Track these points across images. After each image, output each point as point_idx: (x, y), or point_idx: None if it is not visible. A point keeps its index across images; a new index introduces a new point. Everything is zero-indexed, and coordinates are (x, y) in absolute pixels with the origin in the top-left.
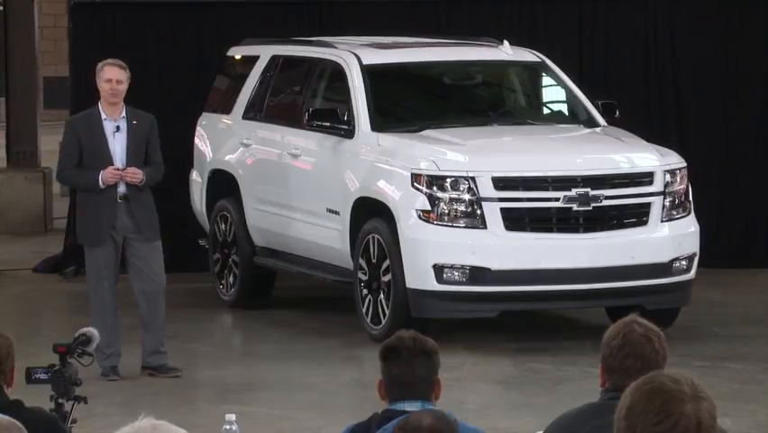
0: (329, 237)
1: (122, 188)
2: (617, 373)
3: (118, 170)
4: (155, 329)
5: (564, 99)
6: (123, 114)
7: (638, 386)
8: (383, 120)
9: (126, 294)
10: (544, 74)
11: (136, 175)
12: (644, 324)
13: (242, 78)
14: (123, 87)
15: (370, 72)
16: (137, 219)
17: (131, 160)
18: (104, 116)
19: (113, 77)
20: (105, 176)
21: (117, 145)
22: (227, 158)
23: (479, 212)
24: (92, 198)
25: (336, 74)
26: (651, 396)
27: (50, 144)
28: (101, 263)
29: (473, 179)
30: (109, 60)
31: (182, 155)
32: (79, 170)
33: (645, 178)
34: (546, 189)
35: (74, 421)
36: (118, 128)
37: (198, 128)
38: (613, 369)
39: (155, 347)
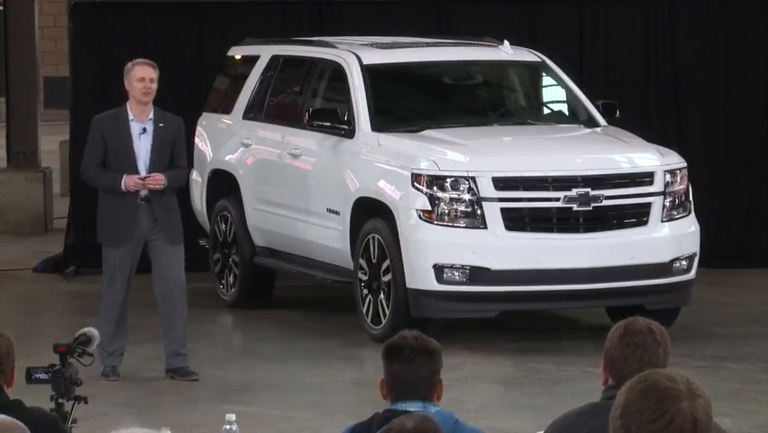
0: (329, 237)
1: (144, 191)
2: (618, 364)
3: (141, 178)
4: (175, 332)
5: (564, 99)
6: (151, 116)
7: (633, 385)
8: (383, 120)
9: (135, 293)
10: (544, 74)
11: (158, 182)
12: (647, 319)
13: (243, 78)
14: (155, 87)
15: (371, 72)
16: (159, 221)
17: (154, 163)
18: (131, 117)
19: (146, 75)
20: (127, 183)
21: (142, 148)
22: (227, 158)
23: (479, 212)
24: (114, 199)
25: (336, 74)
26: (646, 394)
27: (50, 144)
28: (117, 264)
29: (473, 179)
30: (139, 60)
31: None
32: (103, 171)
33: (646, 178)
34: (546, 189)
35: (74, 421)
36: (144, 130)
37: (198, 128)
38: (614, 360)
39: (175, 349)
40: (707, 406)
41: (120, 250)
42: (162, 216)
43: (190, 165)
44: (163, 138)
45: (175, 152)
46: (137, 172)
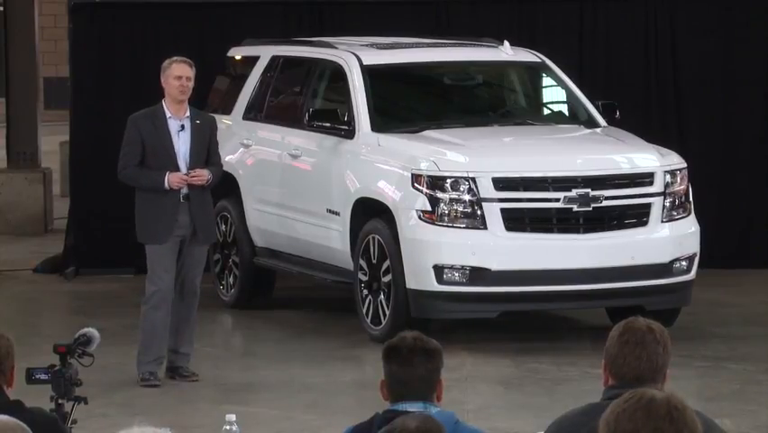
0: (329, 238)
1: (185, 189)
2: (618, 362)
3: (186, 175)
4: (181, 328)
5: (564, 100)
6: (188, 113)
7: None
8: (383, 120)
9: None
10: (544, 74)
11: (203, 177)
12: (648, 319)
13: (243, 78)
14: (191, 85)
15: (371, 73)
16: (196, 221)
17: (194, 160)
18: (168, 114)
19: (182, 74)
20: (171, 180)
21: (181, 145)
22: (227, 158)
23: (479, 212)
24: (155, 198)
25: (336, 74)
26: (623, 395)
27: (50, 144)
28: (160, 261)
29: (473, 179)
30: (176, 58)
31: None
32: (143, 170)
33: (646, 178)
34: (546, 190)
35: (74, 422)
36: (183, 127)
37: None
38: (613, 358)
39: (175, 346)
40: (683, 399)
41: (163, 248)
42: (200, 216)
43: None
44: (201, 135)
45: (211, 149)
46: (178, 170)
